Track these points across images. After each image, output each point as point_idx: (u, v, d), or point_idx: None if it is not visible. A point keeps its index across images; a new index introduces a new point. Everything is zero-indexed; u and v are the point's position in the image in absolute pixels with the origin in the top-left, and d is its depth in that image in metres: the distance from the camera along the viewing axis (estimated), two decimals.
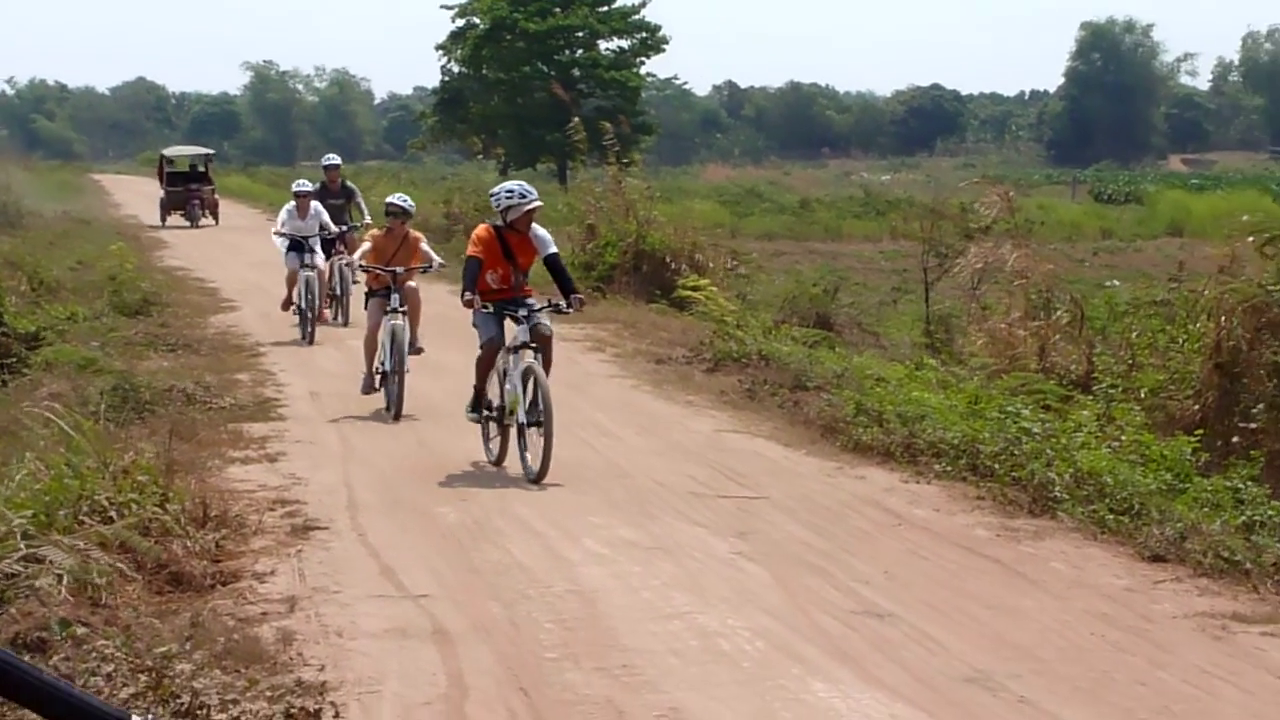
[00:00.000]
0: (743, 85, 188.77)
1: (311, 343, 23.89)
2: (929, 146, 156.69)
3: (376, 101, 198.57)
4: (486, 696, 8.56)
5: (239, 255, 39.96)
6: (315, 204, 25.65)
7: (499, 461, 14.87)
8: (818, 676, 8.81)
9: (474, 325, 15.12)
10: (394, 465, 15.00)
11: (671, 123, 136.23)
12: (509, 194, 14.90)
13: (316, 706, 7.97)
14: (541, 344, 14.67)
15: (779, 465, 15.07)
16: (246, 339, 24.44)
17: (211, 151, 66.23)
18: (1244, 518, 11.71)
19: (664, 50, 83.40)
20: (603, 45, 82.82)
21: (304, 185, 26.05)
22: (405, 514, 13.12)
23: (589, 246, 32.33)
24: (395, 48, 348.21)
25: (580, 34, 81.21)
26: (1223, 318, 15.25)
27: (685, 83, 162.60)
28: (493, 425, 15.04)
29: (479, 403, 15.12)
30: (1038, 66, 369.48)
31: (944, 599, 10.48)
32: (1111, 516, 12.25)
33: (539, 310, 14.84)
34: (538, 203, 14.96)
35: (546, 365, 14.58)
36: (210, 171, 59.03)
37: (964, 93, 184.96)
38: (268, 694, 8.18)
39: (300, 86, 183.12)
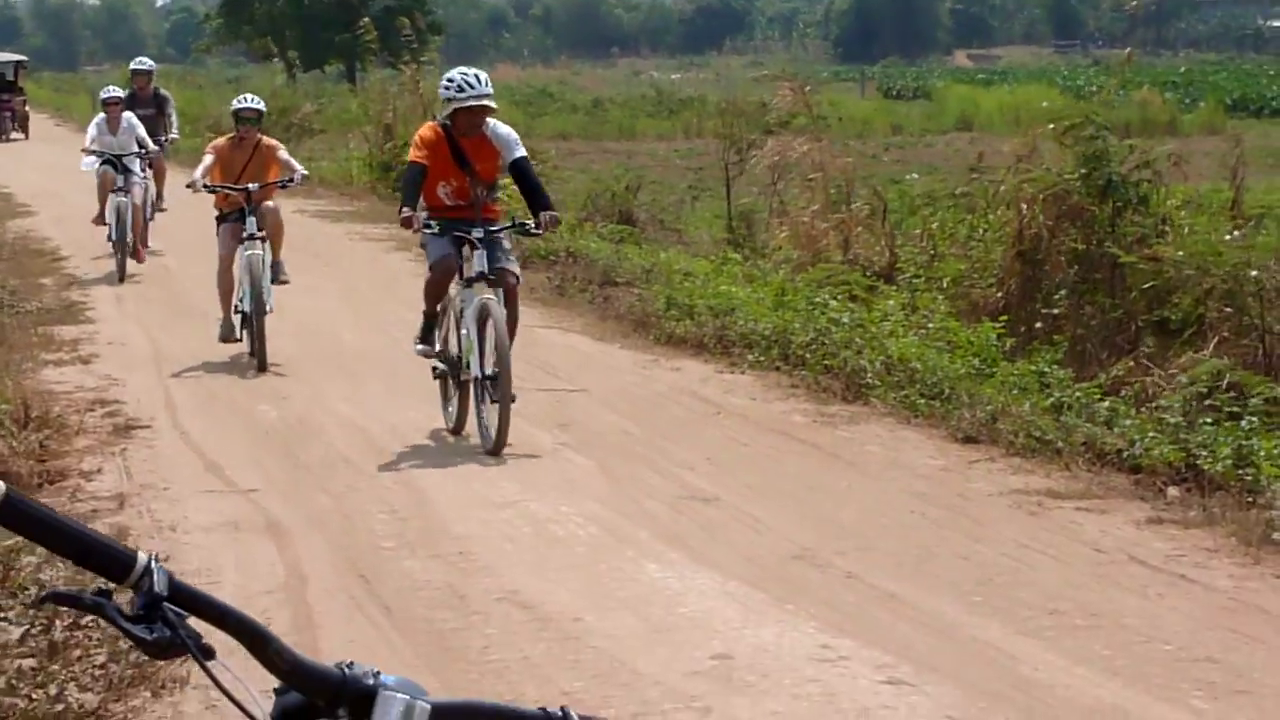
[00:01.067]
0: None
1: (122, 279, 20.40)
2: (717, 45, 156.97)
3: (159, 4, 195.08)
4: (327, 585, 8.69)
5: (42, 166, 39.22)
6: (129, 115, 21.78)
7: (458, 429, 12.19)
8: (650, 558, 9.03)
9: (421, 247, 13.15)
10: (207, 365, 14.98)
11: (459, 23, 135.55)
12: (447, 84, 11.95)
13: None
14: (506, 295, 11.96)
15: (593, 359, 15.26)
16: (46, 244, 24.13)
17: (23, 58, 61.35)
18: (1052, 399, 12.07)
19: None
20: None
21: (113, 92, 22.34)
22: (224, 412, 13.17)
23: (386, 147, 32.22)
24: None
25: None
26: (1023, 207, 15.60)
27: None
28: (449, 382, 12.36)
29: (429, 334, 12.39)
30: None
31: (766, 482, 10.75)
32: (923, 401, 12.58)
33: (498, 232, 12.06)
34: (489, 98, 11.88)
35: (511, 325, 11.85)
36: (21, 80, 55.21)
37: None
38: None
39: None
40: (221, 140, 16.19)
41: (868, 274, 17.30)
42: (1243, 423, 10.71)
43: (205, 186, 15.23)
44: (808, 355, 14.11)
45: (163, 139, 23.33)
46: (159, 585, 2.21)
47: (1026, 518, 9.81)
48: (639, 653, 7.45)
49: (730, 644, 7.55)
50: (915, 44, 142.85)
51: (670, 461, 11.27)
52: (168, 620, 2.21)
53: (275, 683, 2.31)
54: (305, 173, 16.36)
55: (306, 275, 18.51)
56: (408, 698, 2.25)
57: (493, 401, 11.55)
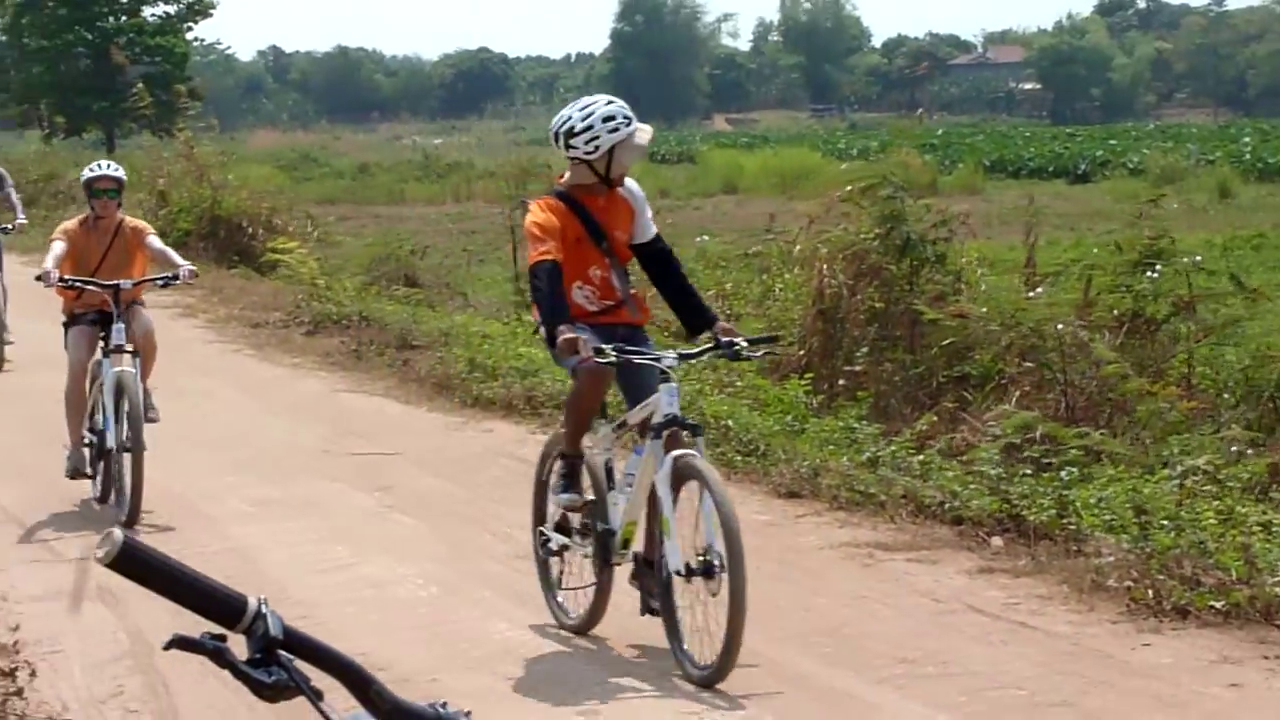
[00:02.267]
0: (288, 50, 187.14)
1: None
2: (478, 109, 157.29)
3: None
4: (173, 652, 8.55)
5: None
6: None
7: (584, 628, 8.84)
8: (498, 617, 9.08)
9: (569, 370, 8.96)
10: (12, 430, 14.73)
11: (215, 88, 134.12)
12: (588, 119, 8.58)
13: (12, 666, 7.91)
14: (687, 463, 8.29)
15: (401, 422, 15.22)
16: None
17: None
18: (867, 455, 12.28)
19: (210, 15, 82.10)
20: (147, 11, 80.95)
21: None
22: (40, 481, 12.93)
23: (161, 213, 31.81)
24: None
25: (123, 0, 79.34)
26: (823, 266, 15.84)
27: (228, 48, 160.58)
28: (570, 562, 8.97)
29: (573, 479, 8.80)
30: (583, 29, 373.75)
31: None
32: (740, 457, 12.73)
33: (699, 356, 9.21)
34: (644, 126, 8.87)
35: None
36: None
37: (511, 55, 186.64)
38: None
39: None
40: (72, 223, 12.45)
41: (666, 334, 17.41)
42: (1062, 474, 10.99)
43: (62, 280, 11.72)
44: (617, 414, 14.17)
45: (7, 226, 18.89)
46: (274, 629, 2.23)
47: (860, 569, 9.98)
48: (508, 712, 7.48)
49: (594, 700, 7.59)
50: (674, 109, 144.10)
51: (499, 521, 11.30)
52: (281, 663, 2.23)
53: None
54: (193, 269, 12.28)
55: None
56: None
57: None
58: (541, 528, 9.02)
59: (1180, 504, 10.13)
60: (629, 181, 8.94)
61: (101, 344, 11.96)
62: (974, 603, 9.23)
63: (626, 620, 8.96)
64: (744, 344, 8.77)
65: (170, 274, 12.10)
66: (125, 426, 11.41)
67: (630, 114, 8.68)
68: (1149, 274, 14.30)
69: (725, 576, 7.82)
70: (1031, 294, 14.72)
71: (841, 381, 15.11)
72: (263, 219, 30.62)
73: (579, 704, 7.51)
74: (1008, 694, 7.75)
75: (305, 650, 2.30)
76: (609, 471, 8.73)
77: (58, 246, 12.16)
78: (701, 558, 8.00)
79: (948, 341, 14.45)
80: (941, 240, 15.66)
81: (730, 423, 13.35)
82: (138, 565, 2.22)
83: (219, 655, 2.23)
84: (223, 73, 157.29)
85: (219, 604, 2.25)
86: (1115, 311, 14.35)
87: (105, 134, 76.80)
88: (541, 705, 7.58)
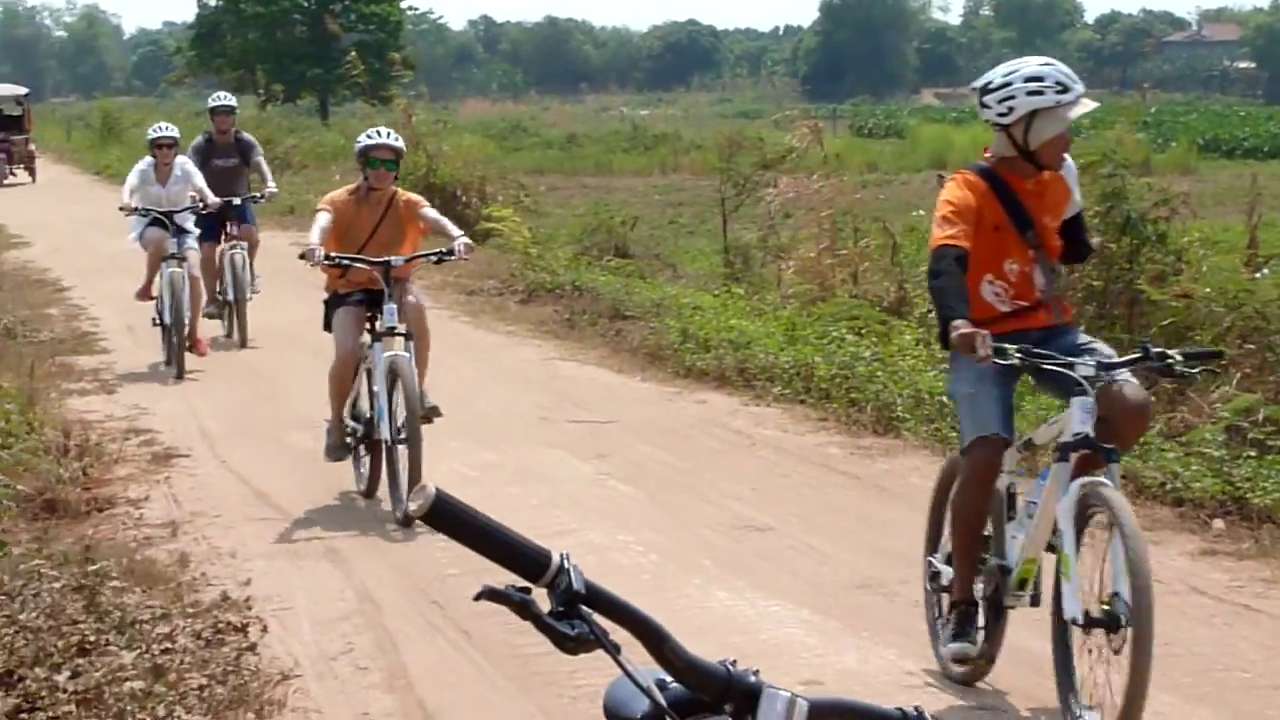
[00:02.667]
0: (498, 20, 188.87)
1: (181, 375, 15.87)
2: (685, 82, 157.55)
3: (126, 36, 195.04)
4: (401, 609, 8.78)
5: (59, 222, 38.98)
6: (183, 160, 17.23)
7: None
8: (718, 586, 9.14)
9: (950, 396, 8.31)
10: (233, 395, 15.05)
11: (427, 57, 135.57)
12: (1009, 75, 7.33)
13: (243, 621, 8.11)
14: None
15: (616, 391, 15.35)
16: (47, 274, 24.17)
17: (25, 90, 52.21)
18: None
19: None
20: None
21: (165, 130, 17.20)
22: (260, 441, 13.22)
23: None
24: None
25: None
26: None
27: (440, 17, 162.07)
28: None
29: (967, 626, 7.54)
30: (792, 2, 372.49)
31: (814, 512, 10.86)
32: (955, 434, 12.66)
33: (1119, 365, 7.28)
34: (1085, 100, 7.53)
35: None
36: (28, 116, 48.00)
37: (719, 28, 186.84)
38: (190, 611, 8.30)
39: (49, 21, 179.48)
40: (340, 193, 11.55)
41: (877, 309, 17.40)
42: None
43: (328, 258, 10.91)
44: (833, 389, 14.23)
45: (257, 195, 18.37)
46: (576, 584, 2.30)
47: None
48: None
49: (817, 670, 7.65)
50: (882, 82, 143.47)
51: (716, 492, 11.37)
52: (583, 617, 2.30)
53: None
54: (469, 242, 11.52)
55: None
56: (789, 694, 2.35)
57: None
58: (931, 557, 7.91)
59: None
60: (1071, 163, 7.74)
61: (369, 327, 11.20)
62: (1197, 584, 9.16)
63: (845, 594, 9.02)
64: (1178, 357, 7.23)
65: (444, 249, 11.28)
66: (400, 416, 10.70)
67: (1068, 80, 7.32)
68: None
69: (1130, 631, 6.66)
70: (1257, 275, 14.52)
71: None
72: (476, 187, 30.95)
73: (803, 676, 7.54)
74: (1232, 676, 7.70)
75: (605, 605, 2.37)
76: (1010, 499, 7.53)
77: (323, 219, 11.15)
78: (1105, 606, 6.84)
79: (1168, 321, 14.29)
80: (1162, 219, 15.47)
81: (945, 399, 13.31)
82: (449, 518, 2.31)
83: (524, 607, 2.31)
84: (434, 42, 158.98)
85: (525, 558, 2.33)
86: None
87: (319, 101, 77.94)
88: (767, 675, 7.62)
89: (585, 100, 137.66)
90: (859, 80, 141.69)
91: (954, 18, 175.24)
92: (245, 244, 17.91)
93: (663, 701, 2.37)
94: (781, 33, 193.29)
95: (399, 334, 10.85)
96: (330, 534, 10.33)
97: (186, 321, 16.18)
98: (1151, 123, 67.59)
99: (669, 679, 2.41)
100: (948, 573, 7.60)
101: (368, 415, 11.02)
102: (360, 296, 11.29)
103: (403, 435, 10.64)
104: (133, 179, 17.05)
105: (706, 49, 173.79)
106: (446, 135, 36.03)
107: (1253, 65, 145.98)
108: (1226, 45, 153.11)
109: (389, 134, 11.56)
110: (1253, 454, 11.09)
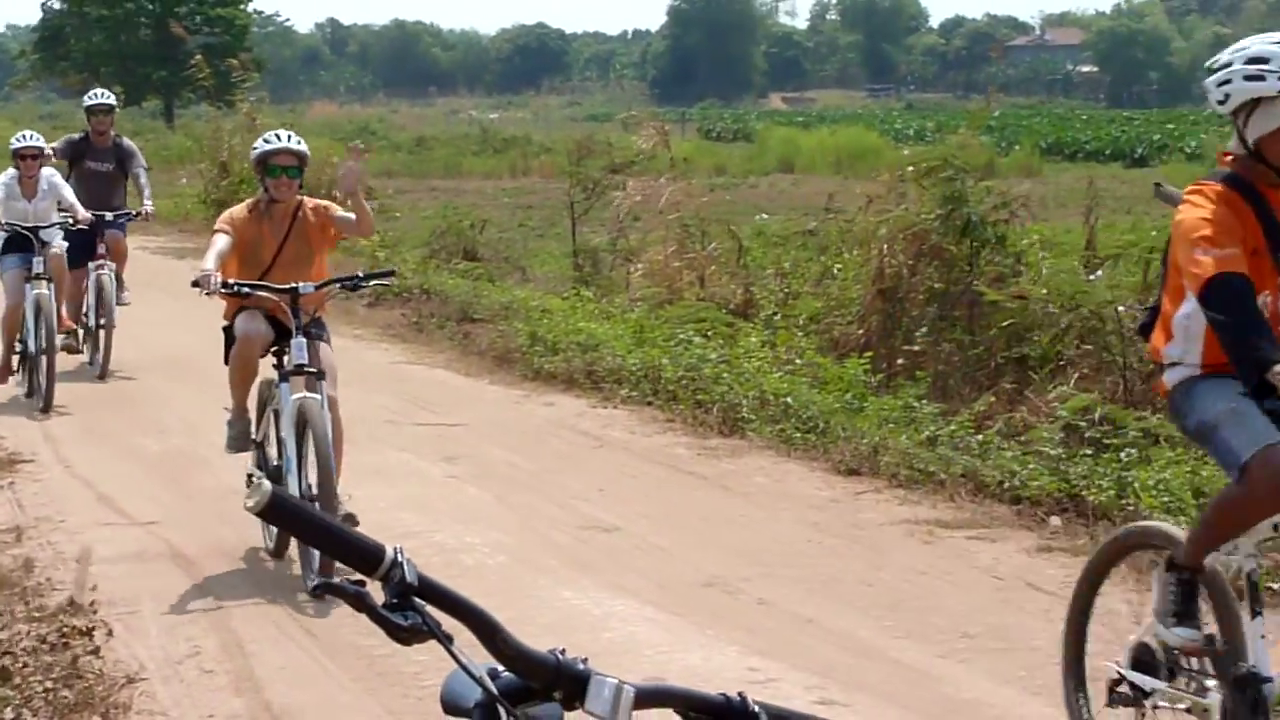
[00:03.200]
0: (346, 23, 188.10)
1: (48, 408, 14.39)
2: (535, 85, 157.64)
3: None
4: (248, 613, 8.78)
5: None
6: (49, 173, 15.71)
7: None
8: (564, 585, 9.22)
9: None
10: (80, 401, 14.93)
11: (274, 60, 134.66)
12: (1235, 53, 6.02)
13: (89, 625, 8.09)
14: None
15: (464, 393, 15.40)
16: None
17: None
18: (926, 433, 12.40)
19: None
20: None
21: (30, 139, 15.64)
22: (105, 446, 13.14)
23: (222, 184, 32.14)
24: None
25: None
26: (884, 246, 15.95)
27: (287, 20, 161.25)
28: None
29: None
30: (640, 6, 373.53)
31: (661, 512, 10.97)
32: (799, 435, 12.88)
33: None
34: None
35: None
36: None
37: (568, 31, 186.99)
38: (35, 615, 8.28)
39: None
40: (239, 209, 10.21)
41: (724, 311, 17.55)
42: (1122, 454, 11.09)
43: (226, 286, 9.57)
44: (679, 390, 14.36)
45: (133, 212, 16.98)
46: (410, 576, 2.37)
47: (921, 546, 10.11)
48: None
49: (661, 667, 7.74)
50: (731, 86, 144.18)
51: (564, 493, 11.45)
52: (416, 609, 2.37)
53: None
54: (393, 269, 11.58)
55: (156, 309, 18.55)
56: (616, 681, 2.43)
57: None
58: (1116, 663, 6.50)
59: None
60: None
61: (275, 363, 9.96)
62: (1034, 580, 9.35)
63: (690, 592, 9.12)
64: None
65: (360, 274, 10.28)
66: (311, 473, 9.32)
67: None
68: None
69: None
70: (1091, 277, 14.79)
71: (901, 361, 15.21)
72: (322, 192, 30.84)
73: (647, 673, 7.63)
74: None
75: (437, 597, 2.44)
76: (1253, 587, 6.03)
77: (220, 241, 9.78)
78: None
79: (1008, 323, 14.53)
80: (1002, 222, 15.73)
81: (790, 400, 13.49)
82: (286, 515, 2.37)
83: (359, 599, 2.38)
84: (281, 45, 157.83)
85: (359, 552, 2.40)
86: None
87: (164, 104, 77.26)
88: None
89: (435, 103, 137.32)
90: (708, 84, 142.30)
91: (801, 22, 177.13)
92: (113, 264, 16.55)
93: (494, 689, 2.44)
94: (630, 36, 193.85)
95: (310, 372, 9.49)
96: (177, 538, 10.30)
97: (52, 345, 14.58)
98: (996, 126, 68.43)
99: (501, 669, 2.48)
100: (1147, 682, 6.29)
101: (275, 463, 9.69)
102: (261, 323, 9.97)
103: (314, 494, 9.19)
104: None
105: (556, 52, 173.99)
106: None
107: (1095, 69, 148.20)
108: (1069, 49, 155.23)
109: (290, 136, 10.10)
110: (1089, 452, 11.31)
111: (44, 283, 14.94)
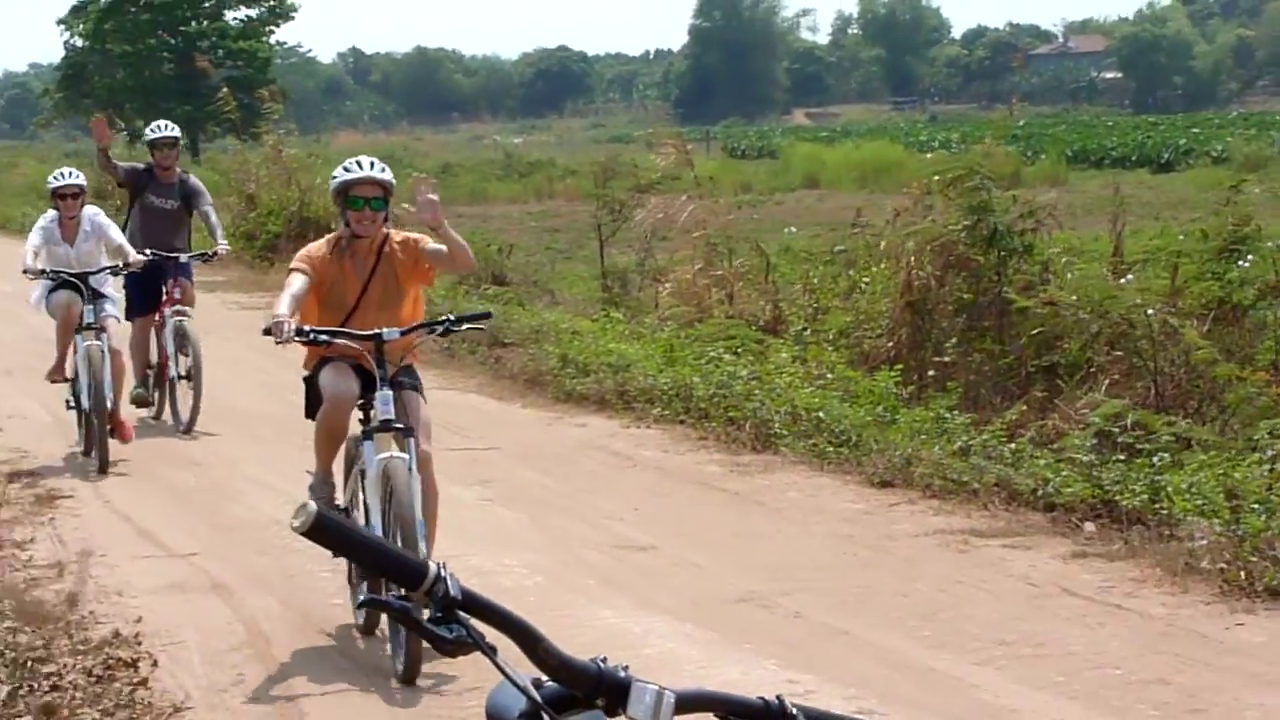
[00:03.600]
0: (368, 51, 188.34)
1: (105, 468, 13.35)
2: (558, 108, 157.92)
3: None
4: (290, 639, 8.85)
5: None
6: (92, 212, 14.43)
7: None
8: (601, 605, 9.29)
9: None
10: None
11: (297, 91, 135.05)
12: None
13: (134, 657, 8.18)
14: None
15: (497, 417, 15.48)
16: None
17: None
18: (958, 443, 12.44)
19: (292, 19, 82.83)
20: (229, 15, 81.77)
21: (70, 177, 14.35)
22: (142, 480, 13.23)
23: (250, 216, 32.24)
24: (6, 24, 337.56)
25: (206, 4, 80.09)
26: (911, 258, 16.01)
27: (309, 50, 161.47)
28: None
29: None
30: (662, 26, 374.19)
31: (694, 530, 11.03)
32: (832, 449, 12.94)
33: None
34: None
35: None
36: None
37: (590, 53, 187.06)
38: (80, 648, 8.36)
39: None
40: (317, 246, 9.14)
41: (753, 328, 17.62)
42: (1153, 460, 11.12)
43: (301, 334, 8.56)
44: (711, 408, 14.43)
45: (207, 253, 15.69)
46: (454, 591, 2.44)
47: (955, 556, 10.16)
48: None
49: (700, 682, 7.73)
50: (753, 104, 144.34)
51: (597, 513, 11.52)
52: (461, 622, 2.44)
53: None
54: (489, 311, 10.76)
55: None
56: (658, 687, 2.49)
57: None
58: None
59: (1271, 487, 10.25)
60: None
61: (360, 416, 8.97)
62: (1069, 586, 9.39)
63: (726, 608, 9.18)
64: None
65: (448, 318, 9.15)
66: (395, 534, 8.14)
67: None
68: (1238, 261, 14.39)
69: None
70: (1120, 283, 14.84)
71: (931, 372, 15.28)
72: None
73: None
74: (1105, 674, 7.91)
75: (481, 610, 2.51)
76: None
77: (296, 283, 8.79)
78: None
79: (1037, 331, 14.58)
80: (1029, 231, 15.78)
81: (822, 414, 13.54)
82: (330, 534, 2.43)
83: (405, 614, 2.45)
84: (304, 75, 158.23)
85: (404, 568, 2.47)
86: (1203, 299, 14.45)
87: (190, 138, 77.62)
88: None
89: (458, 129, 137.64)
90: (730, 102, 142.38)
91: (822, 37, 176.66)
92: (191, 310, 15.39)
93: (538, 698, 2.50)
94: (652, 56, 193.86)
95: (396, 428, 8.49)
96: (216, 568, 10.38)
97: (109, 401, 13.47)
98: (1021, 135, 68.51)
99: (544, 678, 2.54)
100: None
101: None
102: (347, 370, 8.96)
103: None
104: (34, 238, 14.19)
105: (578, 74, 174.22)
106: (319, 169, 35.96)
107: (1119, 75, 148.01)
108: (1093, 56, 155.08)
109: (373, 164, 8.95)
110: (1121, 458, 11.36)
111: (94, 333, 13.60)
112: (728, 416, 14.17)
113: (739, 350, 16.30)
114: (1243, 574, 9.18)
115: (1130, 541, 10.10)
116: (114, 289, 14.45)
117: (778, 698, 2.61)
